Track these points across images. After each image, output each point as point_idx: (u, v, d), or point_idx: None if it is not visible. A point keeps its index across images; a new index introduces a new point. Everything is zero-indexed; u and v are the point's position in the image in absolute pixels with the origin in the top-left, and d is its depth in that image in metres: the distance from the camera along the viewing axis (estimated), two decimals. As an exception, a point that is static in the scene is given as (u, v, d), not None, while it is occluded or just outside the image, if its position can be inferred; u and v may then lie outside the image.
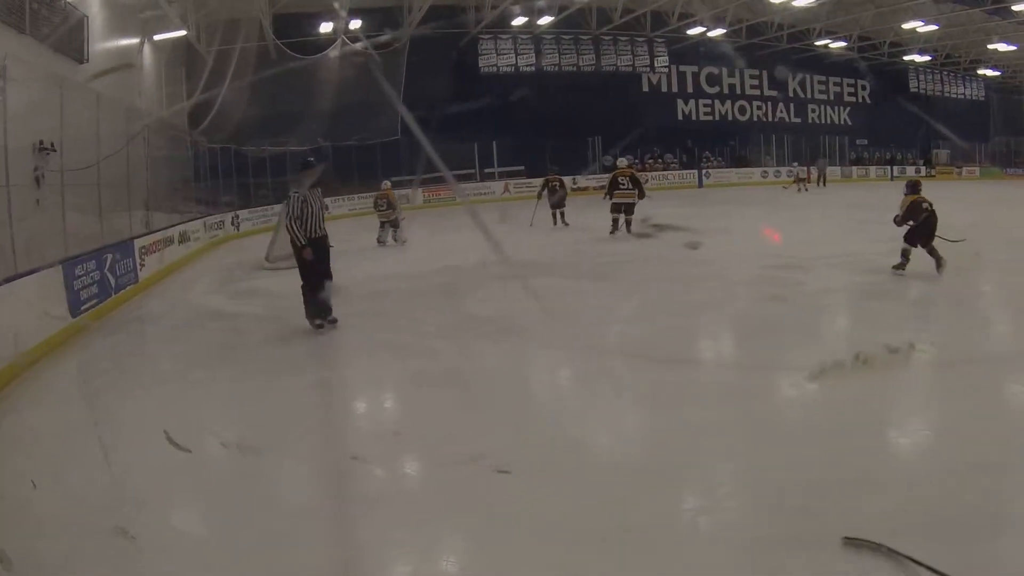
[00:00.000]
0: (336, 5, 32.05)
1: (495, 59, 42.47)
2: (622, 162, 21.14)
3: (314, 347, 10.80)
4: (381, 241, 21.51)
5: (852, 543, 4.63)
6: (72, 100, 14.07)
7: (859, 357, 8.33)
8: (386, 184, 22.21)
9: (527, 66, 43.16)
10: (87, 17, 18.80)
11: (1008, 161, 55.82)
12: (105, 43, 20.54)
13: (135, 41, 24.13)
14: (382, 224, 21.66)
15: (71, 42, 18.09)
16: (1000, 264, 15.56)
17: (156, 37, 25.65)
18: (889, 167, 51.85)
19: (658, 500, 5.52)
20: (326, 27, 34.76)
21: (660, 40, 45.17)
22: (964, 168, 53.39)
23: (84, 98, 15.03)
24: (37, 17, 16.34)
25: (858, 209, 27.62)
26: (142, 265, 16.33)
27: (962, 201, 32.08)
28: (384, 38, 35.93)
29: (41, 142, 13.87)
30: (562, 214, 23.86)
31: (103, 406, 8.30)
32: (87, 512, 5.65)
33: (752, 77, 49.96)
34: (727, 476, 6.01)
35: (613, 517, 5.22)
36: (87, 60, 18.63)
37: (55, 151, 13.81)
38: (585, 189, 41.52)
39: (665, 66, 46.63)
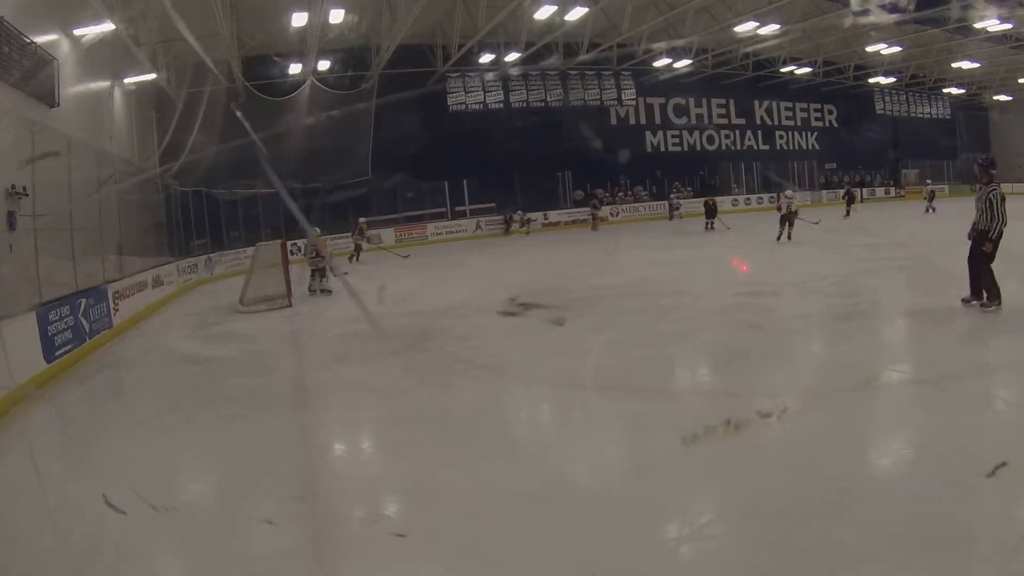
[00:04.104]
0: (305, 47, 32.06)
1: (463, 97, 42.57)
2: (316, 231, 22.63)
3: (289, 391, 10.73)
4: (312, 290, 20.90)
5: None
6: (43, 144, 13.98)
7: (832, 381, 8.39)
8: (315, 232, 22.06)
9: (495, 103, 43.29)
10: (57, 61, 18.71)
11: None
12: (76, 87, 20.45)
13: (105, 84, 24.04)
14: (312, 272, 21.12)
15: (42, 86, 18.00)
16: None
17: (126, 80, 25.58)
18: (859, 189, 52.37)
19: (638, 531, 5.47)
20: (295, 68, 34.77)
21: (627, 73, 45.43)
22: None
23: (55, 142, 14.94)
24: (7, 61, 16.26)
25: (828, 232, 27.87)
26: (116, 310, 16.21)
27: (934, 218, 32.63)
28: (352, 73, 36.09)
29: (13, 186, 13.79)
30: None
31: (76, 454, 8.20)
32: (59, 566, 5.58)
33: (719, 106, 50.41)
34: (708, 505, 5.97)
35: (594, 550, 5.19)
36: (58, 104, 18.52)
37: (27, 195, 13.73)
38: (556, 224, 41.83)
39: (632, 99, 46.83)
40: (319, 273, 21.03)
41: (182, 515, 6.40)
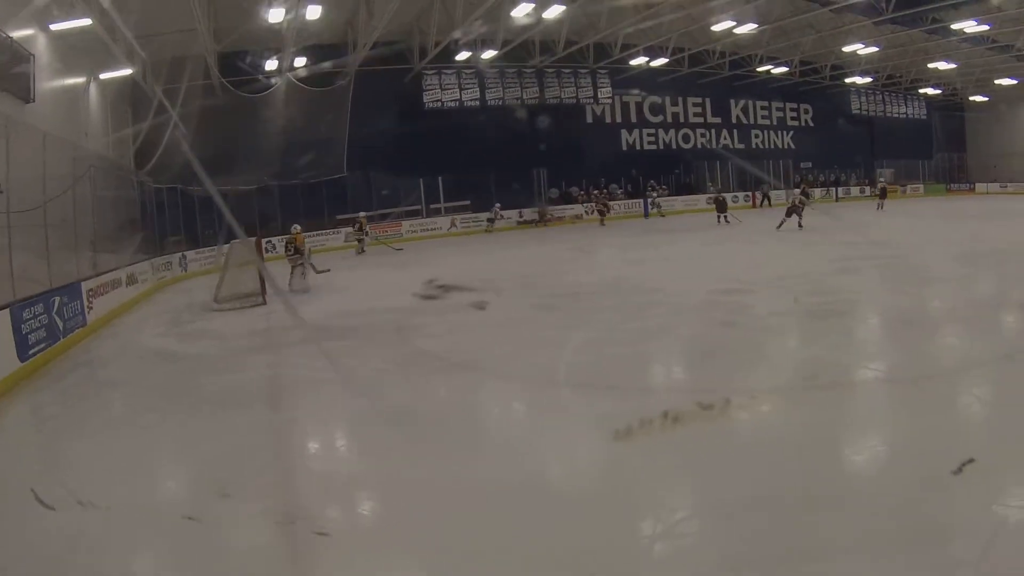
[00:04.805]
0: (281, 43, 31.88)
1: (439, 94, 42.33)
2: (296, 228, 22.42)
3: (263, 388, 10.72)
4: (292, 288, 20.88)
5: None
6: (18, 140, 13.86)
7: (808, 379, 8.44)
8: (295, 228, 22.00)
9: (471, 100, 43.05)
10: (33, 56, 18.54)
11: (951, 177, 57.24)
12: (51, 82, 20.26)
13: (81, 80, 23.85)
14: (292, 269, 21.24)
15: (17, 81, 17.82)
16: (949, 281, 15.83)
17: (102, 76, 25.36)
18: (834, 188, 52.69)
19: (612, 528, 5.51)
20: (271, 65, 34.56)
21: (603, 71, 45.41)
22: (909, 186, 54.44)
23: (30, 138, 14.81)
24: (-18, 57, 16.14)
25: (805, 231, 28.06)
26: (90, 307, 16.10)
27: (909, 218, 32.89)
28: (328, 69, 35.92)
29: (-13, 183, 13.66)
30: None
31: (52, 453, 8.17)
32: (42, 564, 5.56)
33: (695, 105, 50.45)
34: (682, 502, 6.01)
35: (568, 547, 5.22)
36: (33, 100, 18.35)
37: (1, 192, 13.60)
38: (532, 222, 41.87)
39: (608, 97, 46.84)
40: (299, 270, 21.03)
41: (139, 515, 6.38)
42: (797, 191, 35.27)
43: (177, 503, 6.50)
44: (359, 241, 33.32)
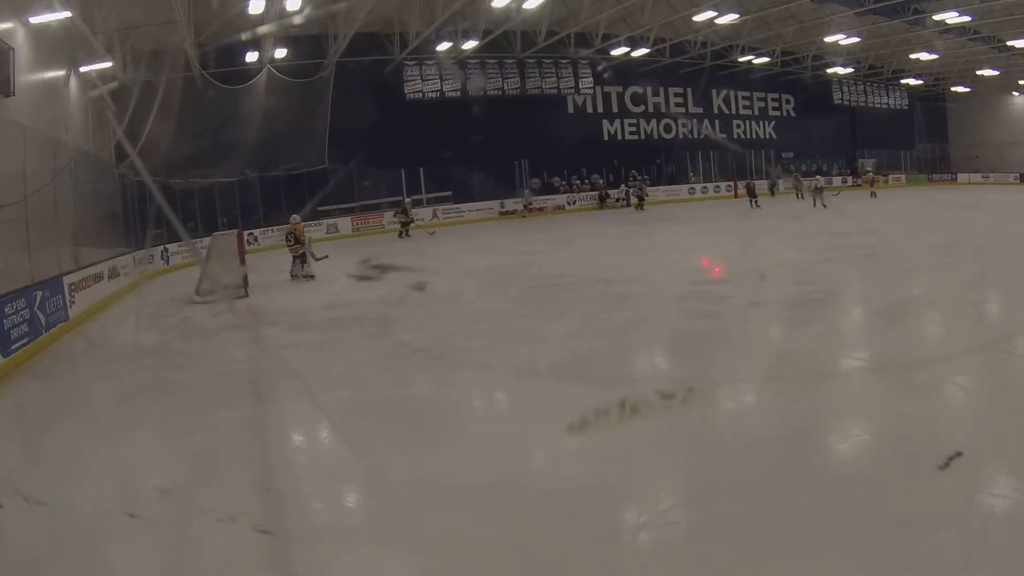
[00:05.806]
0: (262, 34, 31.71)
1: (420, 85, 42.22)
2: (295, 218, 22.58)
3: (245, 382, 10.67)
4: (294, 275, 21.34)
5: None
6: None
7: (790, 370, 8.48)
8: (294, 218, 22.10)
9: (452, 91, 43.01)
10: (13, 50, 18.39)
11: (933, 167, 57.50)
12: (31, 75, 20.10)
13: (61, 73, 23.67)
14: (293, 259, 21.50)
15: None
16: (930, 268, 15.93)
17: (82, 68, 25.17)
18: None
19: (597, 520, 5.52)
20: (252, 56, 34.40)
21: (584, 61, 45.38)
22: (891, 176, 54.61)
23: (10, 132, 14.72)
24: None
25: (789, 220, 28.16)
26: (72, 302, 16.02)
27: (889, 206, 33.04)
28: (308, 60, 35.90)
29: (-33, 178, 13.59)
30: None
31: (15, 448, 8.16)
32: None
33: (677, 95, 50.37)
34: (665, 493, 6.03)
35: (552, 540, 5.23)
36: (13, 93, 18.21)
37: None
38: (513, 212, 41.82)
39: (590, 87, 46.87)
40: (300, 259, 21.29)
41: (86, 512, 6.35)
42: (817, 178, 39.96)
43: (129, 500, 6.41)
44: (403, 225, 34.08)
